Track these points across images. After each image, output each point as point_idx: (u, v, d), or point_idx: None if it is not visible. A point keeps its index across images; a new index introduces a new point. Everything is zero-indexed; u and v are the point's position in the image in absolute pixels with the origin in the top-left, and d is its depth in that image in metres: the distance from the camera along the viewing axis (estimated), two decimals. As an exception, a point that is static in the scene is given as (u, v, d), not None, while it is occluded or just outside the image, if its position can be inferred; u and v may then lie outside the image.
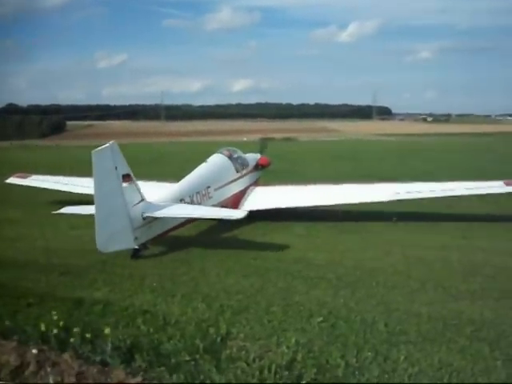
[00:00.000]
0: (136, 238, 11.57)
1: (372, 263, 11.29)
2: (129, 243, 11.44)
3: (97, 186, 10.70)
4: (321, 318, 7.59)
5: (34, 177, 21.43)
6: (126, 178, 11.39)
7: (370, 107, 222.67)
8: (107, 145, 11.09)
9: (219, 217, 14.15)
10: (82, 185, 18.32)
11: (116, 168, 11.09)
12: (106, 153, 10.95)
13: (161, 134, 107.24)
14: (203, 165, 16.71)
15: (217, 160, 17.39)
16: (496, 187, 17.78)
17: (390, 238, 14.26)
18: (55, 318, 6.83)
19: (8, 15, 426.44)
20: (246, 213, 13.10)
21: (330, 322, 7.52)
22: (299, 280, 9.76)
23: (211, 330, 7.04)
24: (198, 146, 57.88)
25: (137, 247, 11.68)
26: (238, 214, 13.45)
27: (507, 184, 17.75)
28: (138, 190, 11.93)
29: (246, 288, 9.18)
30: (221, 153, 18.06)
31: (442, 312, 8.00)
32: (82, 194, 17.56)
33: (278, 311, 7.95)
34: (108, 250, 11.04)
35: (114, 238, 11.02)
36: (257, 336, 6.94)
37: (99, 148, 10.84)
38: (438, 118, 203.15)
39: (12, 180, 21.65)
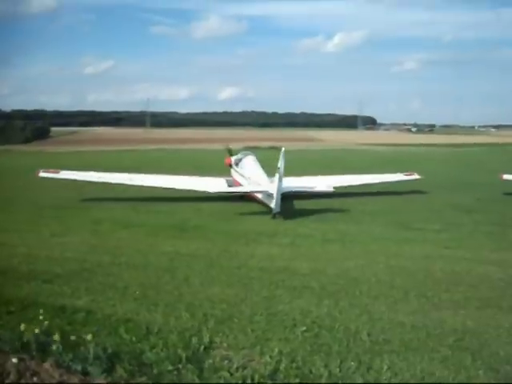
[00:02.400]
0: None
1: (355, 272, 11.33)
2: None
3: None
4: (304, 328, 7.59)
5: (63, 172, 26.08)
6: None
7: (355, 117, 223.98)
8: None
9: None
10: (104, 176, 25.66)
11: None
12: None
13: (145, 140, 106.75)
14: (255, 162, 25.74)
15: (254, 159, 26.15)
16: (397, 177, 28.63)
17: (374, 248, 14.33)
18: (36, 326, 6.73)
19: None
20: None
21: (314, 331, 7.51)
22: (283, 289, 9.75)
23: (194, 340, 6.98)
24: (183, 153, 57.71)
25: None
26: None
27: (406, 175, 28.82)
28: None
29: (230, 297, 9.14)
30: (250, 154, 26.88)
31: (424, 321, 8.04)
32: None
33: (261, 320, 7.92)
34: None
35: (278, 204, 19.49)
36: (240, 345, 6.91)
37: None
38: (422, 129, 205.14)
39: (43, 174, 25.59)
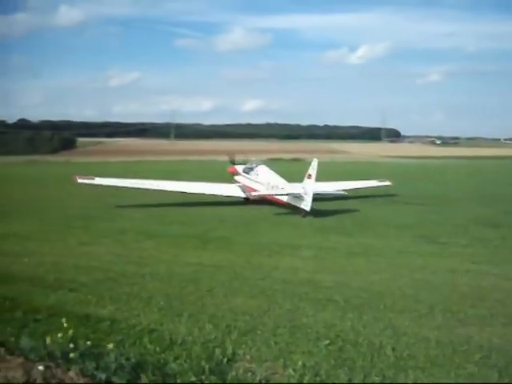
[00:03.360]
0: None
1: (380, 286, 11.23)
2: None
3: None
4: (328, 341, 7.53)
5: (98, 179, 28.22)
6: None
7: (379, 129, 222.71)
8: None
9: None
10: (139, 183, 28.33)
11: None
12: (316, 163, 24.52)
13: (170, 152, 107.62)
14: (269, 170, 29.08)
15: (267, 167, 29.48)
16: (371, 183, 32.43)
17: (398, 262, 14.23)
18: (62, 334, 6.80)
19: (22, 32, 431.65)
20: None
21: (338, 345, 7.45)
22: (306, 302, 9.70)
23: (217, 351, 6.98)
24: (207, 164, 58.04)
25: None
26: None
27: (380, 181, 32.98)
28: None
29: (253, 309, 9.12)
30: (261, 164, 30.39)
31: (450, 337, 7.92)
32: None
33: (284, 333, 7.88)
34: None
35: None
36: (263, 358, 6.88)
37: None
38: (446, 141, 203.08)
39: (80, 180, 27.85)
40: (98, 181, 27.89)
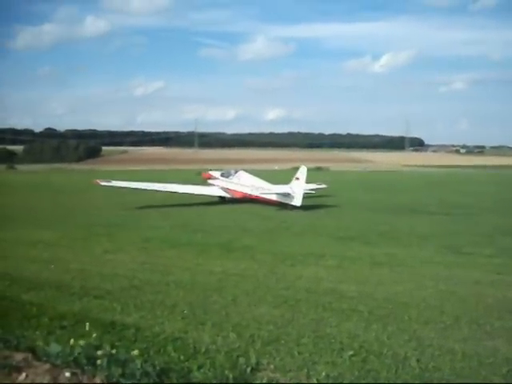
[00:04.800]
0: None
1: (404, 297, 11.13)
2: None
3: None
4: (352, 352, 7.48)
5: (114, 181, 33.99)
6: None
7: (402, 138, 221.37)
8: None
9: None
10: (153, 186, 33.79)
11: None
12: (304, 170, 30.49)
13: (193, 160, 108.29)
14: (251, 174, 35.32)
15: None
16: (312, 186, 36.48)
17: (423, 272, 14.09)
18: (88, 341, 6.89)
19: (49, 43, 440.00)
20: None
21: (362, 356, 7.41)
22: (330, 312, 9.66)
23: (241, 360, 6.98)
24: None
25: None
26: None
27: (318, 184, 38.37)
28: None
29: (277, 318, 9.12)
30: (240, 170, 36.17)
31: (476, 349, 7.80)
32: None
33: (308, 343, 7.86)
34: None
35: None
36: (287, 368, 6.87)
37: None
38: (471, 150, 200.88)
39: (98, 182, 32.91)
40: (114, 183, 33.66)
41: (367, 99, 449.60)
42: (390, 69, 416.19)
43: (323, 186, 39.06)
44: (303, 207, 30.05)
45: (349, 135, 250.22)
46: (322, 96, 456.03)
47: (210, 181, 36.03)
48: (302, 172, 30.61)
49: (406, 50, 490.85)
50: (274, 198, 31.48)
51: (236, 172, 35.65)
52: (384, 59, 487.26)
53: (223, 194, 34.38)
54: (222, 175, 35.69)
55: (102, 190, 36.88)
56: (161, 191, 33.67)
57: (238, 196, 33.90)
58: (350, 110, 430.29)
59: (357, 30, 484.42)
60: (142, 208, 30.22)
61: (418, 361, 7.25)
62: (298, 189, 30.09)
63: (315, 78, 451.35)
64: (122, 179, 37.50)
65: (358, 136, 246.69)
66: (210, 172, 37.15)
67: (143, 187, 33.87)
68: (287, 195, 30.42)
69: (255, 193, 33.00)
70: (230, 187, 34.39)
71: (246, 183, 34.11)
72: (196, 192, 34.00)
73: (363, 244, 18.91)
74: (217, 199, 34.25)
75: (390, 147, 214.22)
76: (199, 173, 39.10)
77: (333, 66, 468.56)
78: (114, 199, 34.61)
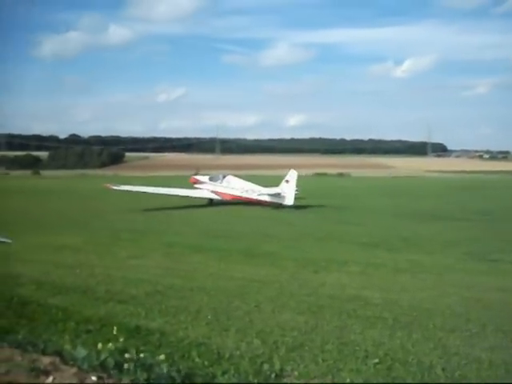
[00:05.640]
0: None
1: (429, 304, 11.03)
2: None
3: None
4: (377, 360, 7.42)
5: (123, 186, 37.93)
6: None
7: (424, 143, 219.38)
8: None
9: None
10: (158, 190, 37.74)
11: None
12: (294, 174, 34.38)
13: (214, 166, 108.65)
14: (239, 178, 38.44)
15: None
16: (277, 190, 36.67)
17: (447, 279, 13.97)
18: (113, 345, 6.94)
19: (74, 51, 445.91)
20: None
21: (386, 363, 7.34)
22: (354, 319, 9.61)
23: (265, 367, 6.97)
24: (250, 179, 58.33)
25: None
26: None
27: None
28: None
29: (301, 325, 9.09)
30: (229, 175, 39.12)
31: (503, 358, 7.68)
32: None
33: (332, 350, 7.82)
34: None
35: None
36: (311, 374, 6.84)
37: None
38: (494, 156, 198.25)
39: (108, 186, 36.70)
40: (123, 187, 37.30)
41: (389, 104, 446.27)
42: (412, 73, 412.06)
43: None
44: (327, 212, 30.03)
45: (370, 141, 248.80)
46: (344, 101, 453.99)
47: (196, 185, 39.12)
48: (292, 175, 34.57)
49: (429, 54, 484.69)
50: (266, 198, 35.12)
51: (224, 177, 38.88)
52: (406, 64, 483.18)
53: (213, 196, 37.52)
54: (211, 179, 38.89)
55: (123, 195, 37.60)
56: (165, 195, 37.27)
57: (227, 198, 37.06)
58: (372, 115, 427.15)
59: (378, 34, 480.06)
60: (159, 211, 32.65)
61: (443, 369, 7.16)
62: (288, 190, 34.00)
63: (337, 83, 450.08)
64: (141, 184, 41.36)
65: (379, 141, 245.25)
66: (197, 177, 40.25)
67: (149, 191, 37.57)
68: (278, 195, 34.43)
69: (246, 195, 36.48)
70: (219, 190, 37.55)
71: (235, 186, 37.48)
72: (190, 195, 37.27)
73: (386, 250, 18.80)
74: (206, 201, 37.43)
75: (412, 153, 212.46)
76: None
77: (354, 71, 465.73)
78: (135, 204, 35.17)
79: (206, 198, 37.43)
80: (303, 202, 38.43)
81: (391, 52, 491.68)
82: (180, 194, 37.49)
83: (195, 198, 36.98)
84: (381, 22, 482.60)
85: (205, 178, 39.28)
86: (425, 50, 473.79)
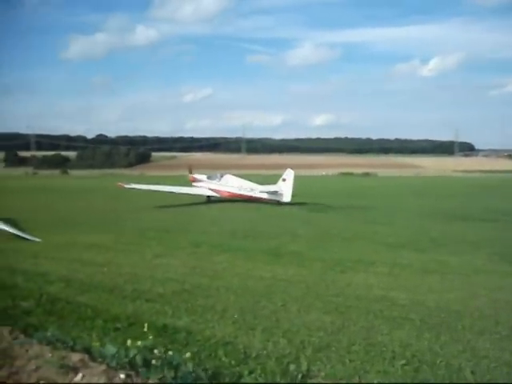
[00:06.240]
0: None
1: (457, 305, 10.88)
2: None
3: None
4: (404, 361, 7.35)
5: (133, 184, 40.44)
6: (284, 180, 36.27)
7: (452, 143, 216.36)
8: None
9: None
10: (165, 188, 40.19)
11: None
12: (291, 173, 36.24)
13: (240, 166, 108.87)
14: (237, 177, 40.77)
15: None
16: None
17: (475, 280, 13.77)
18: (141, 343, 7.00)
19: (101, 52, 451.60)
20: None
21: (414, 365, 7.26)
22: (381, 319, 9.53)
23: (292, 367, 6.95)
24: (276, 178, 58.30)
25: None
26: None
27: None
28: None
29: (327, 325, 9.06)
30: (227, 173, 41.42)
31: (535, 362, 7.56)
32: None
33: (359, 351, 7.76)
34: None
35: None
36: (338, 375, 6.81)
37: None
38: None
39: (119, 185, 38.64)
40: (134, 186, 39.74)
41: (416, 103, 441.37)
42: (439, 72, 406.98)
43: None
44: (353, 212, 29.91)
45: (397, 140, 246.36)
46: (370, 101, 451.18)
47: (194, 183, 41.50)
48: (288, 174, 36.71)
49: (456, 53, 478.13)
50: (265, 196, 37.70)
51: (222, 175, 41.15)
52: (433, 63, 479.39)
53: (211, 194, 39.69)
54: (209, 178, 41.12)
55: (149, 194, 38.12)
56: (168, 192, 39.41)
57: (225, 195, 39.44)
58: (398, 114, 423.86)
59: (405, 33, 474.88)
60: (176, 207, 34.33)
61: (472, 372, 7.06)
62: (286, 188, 36.35)
63: (362, 82, 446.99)
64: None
65: (406, 141, 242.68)
66: (195, 175, 42.70)
67: (159, 189, 39.99)
68: (275, 193, 36.90)
69: (244, 192, 38.94)
70: (217, 188, 39.86)
71: (233, 184, 39.89)
72: (191, 192, 39.60)
73: (413, 250, 18.61)
74: (204, 199, 39.58)
75: (440, 152, 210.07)
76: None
77: (380, 70, 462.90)
78: (155, 202, 35.73)
79: (204, 196, 39.71)
80: (328, 202, 38.32)
81: (417, 51, 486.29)
82: (183, 191, 39.64)
83: (195, 195, 39.14)
84: (406, 20, 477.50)
85: (203, 177, 41.71)
86: (452, 48, 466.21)
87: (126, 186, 39.15)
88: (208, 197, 39.55)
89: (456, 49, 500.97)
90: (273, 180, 39.58)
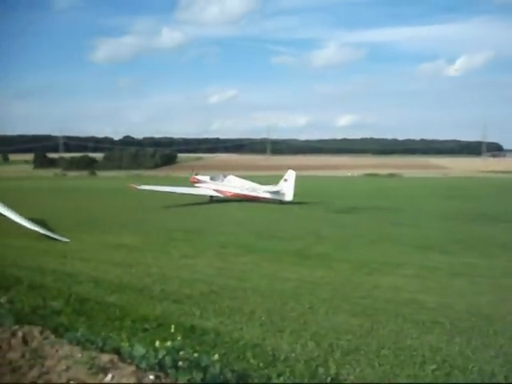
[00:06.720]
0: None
1: (487, 309, 10.71)
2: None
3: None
4: (435, 366, 7.23)
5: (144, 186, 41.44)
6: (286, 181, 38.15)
7: (479, 143, 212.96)
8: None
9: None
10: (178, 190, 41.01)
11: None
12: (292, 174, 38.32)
13: (265, 167, 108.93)
14: (239, 178, 42.55)
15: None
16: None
17: (505, 283, 13.54)
18: (170, 344, 7.01)
19: (128, 55, 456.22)
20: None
21: (445, 370, 7.14)
22: (410, 323, 9.41)
23: (321, 370, 6.90)
24: (302, 180, 58.22)
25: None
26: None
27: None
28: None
29: (355, 328, 8.98)
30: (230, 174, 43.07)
31: None
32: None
33: (389, 355, 7.66)
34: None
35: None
36: (367, 379, 6.73)
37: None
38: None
39: (131, 186, 40.17)
40: (144, 187, 40.64)
41: (442, 103, 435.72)
42: (466, 71, 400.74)
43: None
44: (379, 214, 29.76)
45: (422, 141, 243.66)
46: (395, 101, 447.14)
47: (196, 184, 42.65)
48: (290, 175, 38.42)
49: (483, 51, 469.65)
50: (267, 195, 39.13)
51: (225, 176, 42.69)
52: (459, 62, 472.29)
53: (214, 194, 40.93)
54: (212, 179, 42.48)
55: (171, 196, 38.65)
56: (184, 194, 40.26)
57: (229, 195, 40.78)
58: (424, 114, 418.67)
59: (430, 32, 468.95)
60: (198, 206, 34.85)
61: (506, 378, 6.92)
62: (287, 188, 37.86)
63: (388, 82, 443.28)
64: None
65: (432, 141, 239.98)
66: (197, 176, 44.09)
67: (167, 190, 40.94)
68: (278, 193, 38.49)
69: (246, 192, 40.35)
70: (221, 188, 41.26)
71: (236, 185, 41.41)
72: (195, 192, 40.62)
73: (441, 253, 18.37)
74: (207, 199, 40.63)
75: (467, 153, 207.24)
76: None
77: (406, 69, 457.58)
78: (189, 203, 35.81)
79: (207, 196, 40.87)
80: (354, 203, 38.09)
81: (443, 50, 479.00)
82: (190, 192, 40.59)
83: (200, 195, 40.33)
84: (432, 19, 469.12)
85: (206, 178, 43.08)
86: (479, 47, 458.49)
87: (138, 187, 40.44)
88: (211, 197, 40.85)
89: (483, 47, 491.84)
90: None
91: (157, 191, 40.86)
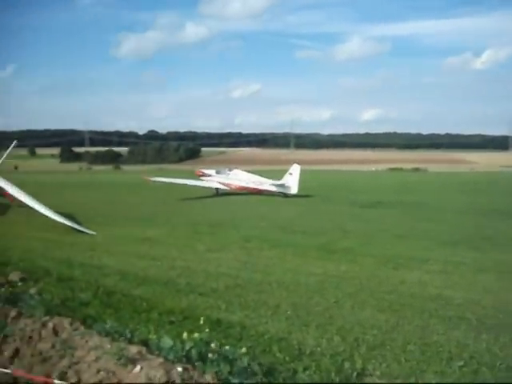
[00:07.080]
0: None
1: (515, 306, 10.57)
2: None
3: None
4: (462, 362, 7.19)
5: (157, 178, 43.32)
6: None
7: (506, 138, 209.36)
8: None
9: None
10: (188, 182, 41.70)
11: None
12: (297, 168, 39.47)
13: (289, 161, 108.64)
14: (246, 171, 44.46)
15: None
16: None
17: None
18: (197, 337, 7.08)
19: (152, 49, 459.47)
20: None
21: (472, 367, 7.09)
22: (436, 319, 9.36)
23: (347, 365, 6.92)
24: (325, 174, 58.06)
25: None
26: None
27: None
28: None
29: (381, 323, 8.96)
30: (236, 168, 44.95)
31: None
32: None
33: (415, 350, 7.65)
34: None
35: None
36: (394, 375, 6.73)
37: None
38: None
39: (145, 178, 42.72)
40: (156, 179, 42.31)
41: (467, 97, 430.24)
42: (492, 64, 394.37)
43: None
44: (404, 208, 29.60)
45: (447, 135, 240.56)
46: (420, 95, 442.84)
47: (202, 177, 43.75)
48: (295, 169, 39.65)
49: (510, 44, 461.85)
50: (273, 189, 40.23)
51: (231, 170, 43.99)
52: (486, 55, 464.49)
53: (220, 186, 41.82)
54: (218, 173, 43.58)
55: (194, 189, 38.97)
56: (187, 185, 41.07)
57: (235, 188, 41.95)
58: (450, 108, 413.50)
59: (455, 25, 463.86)
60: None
61: (535, 376, 6.86)
62: (292, 181, 39.13)
63: (412, 76, 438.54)
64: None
65: (457, 136, 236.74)
66: (203, 170, 45.73)
67: (178, 182, 41.50)
68: (283, 186, 39.58)
69: (252, 185, 41.57)
70: (227, 182, 42.43)
71: (242, 178, 42.87)
72: (202, 185, 41.51)
73: (467, 248, 18.12)
74: (213, 191, 41.36)
75: (493, 147, 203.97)
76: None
77: (430, 63, 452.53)
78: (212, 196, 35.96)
79: (214, 188, 41.65)
80: (378, 198, 37.80)
81: (469, 43, 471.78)
82: (199, 184, 41.59)
83: (207, 187, 41.25)
84: (456, 11, 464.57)
85: (212, 172, 44.18)
86: (506, 39, 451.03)
87: (151, 179, 41.94)
88: (216, 189, 41.72)
89: (510, 40, 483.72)
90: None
91: (169, 183, 42.02)
